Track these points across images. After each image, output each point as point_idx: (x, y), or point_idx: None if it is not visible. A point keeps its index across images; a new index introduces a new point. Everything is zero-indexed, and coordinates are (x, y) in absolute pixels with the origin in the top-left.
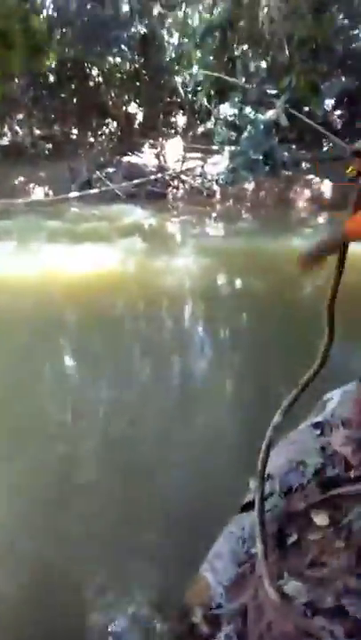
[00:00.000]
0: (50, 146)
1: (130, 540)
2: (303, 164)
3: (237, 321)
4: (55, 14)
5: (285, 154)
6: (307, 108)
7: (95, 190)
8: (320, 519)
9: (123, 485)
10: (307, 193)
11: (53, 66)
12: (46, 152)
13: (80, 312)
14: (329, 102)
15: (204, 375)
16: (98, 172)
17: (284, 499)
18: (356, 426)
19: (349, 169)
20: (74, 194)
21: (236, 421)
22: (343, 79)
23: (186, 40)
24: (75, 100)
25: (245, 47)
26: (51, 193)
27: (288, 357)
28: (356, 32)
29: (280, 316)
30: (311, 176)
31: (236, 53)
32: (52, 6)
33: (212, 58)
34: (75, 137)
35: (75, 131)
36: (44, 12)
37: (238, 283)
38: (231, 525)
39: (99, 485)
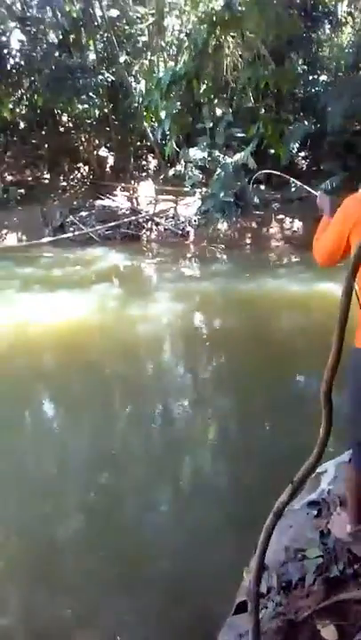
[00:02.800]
0: (22, 191)
1: None
2: (273, 205)
3: (219, 365)
4: (23, 62)
5: (255, 195)
6: (273, 151)
7: (69, 234)
8: (328, 633)
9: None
10: (279, 232)
11: (24, 112)
12: (18, 197)
13: (57, 363)
14: (294, 145)
15: (192, 424)
16: (71, 216)
17: (284, 597)
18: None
19: None
20: (47, 238)
21: (226, 480)
22: (306, 123)
23: (153, 87)
24: (46, 146)
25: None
26: (24, 238)
27: (274, 399)
28: (315, 77)
29: (262, 358)
30: (282, 216)
31: (202, 100)
32: (18, 55)
33: (178, 104)
34: (47, 182)
35: (47, 176)
36: (11, 60)
37: (217, 326)
38: (225, 633)
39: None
